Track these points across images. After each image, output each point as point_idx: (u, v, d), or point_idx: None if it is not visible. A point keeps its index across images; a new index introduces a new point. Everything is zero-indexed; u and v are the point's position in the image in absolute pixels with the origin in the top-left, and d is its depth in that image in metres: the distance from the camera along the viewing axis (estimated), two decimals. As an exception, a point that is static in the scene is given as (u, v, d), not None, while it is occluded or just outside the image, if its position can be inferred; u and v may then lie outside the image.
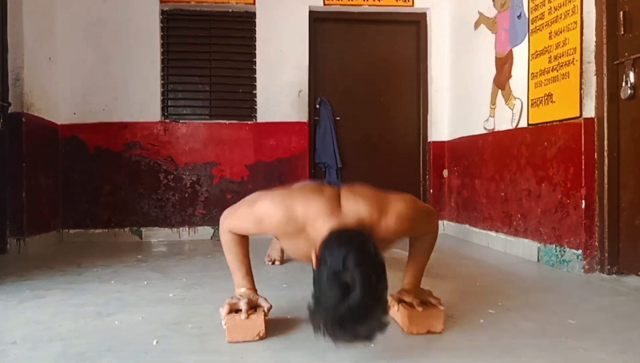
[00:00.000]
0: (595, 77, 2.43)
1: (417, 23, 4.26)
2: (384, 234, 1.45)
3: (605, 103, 2.40)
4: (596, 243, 2.40)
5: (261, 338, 1.45)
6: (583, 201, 2.42)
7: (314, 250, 1.33)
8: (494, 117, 3.34)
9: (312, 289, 1.24)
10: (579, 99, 2.46)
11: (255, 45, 3.96)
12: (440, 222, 4.12)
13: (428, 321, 1.50)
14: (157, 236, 3.82)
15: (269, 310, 1.52)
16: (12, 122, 3.13)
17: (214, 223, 3.84)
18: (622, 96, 2.33)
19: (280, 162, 3.96)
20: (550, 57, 2.69)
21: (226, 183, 3.90)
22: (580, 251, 2.42)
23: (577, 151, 2.46)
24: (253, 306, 1.51)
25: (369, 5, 4.10)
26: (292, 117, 3.98)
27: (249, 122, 3.95)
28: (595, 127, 2.42)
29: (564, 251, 2.53)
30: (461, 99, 3.92)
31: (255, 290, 1.60)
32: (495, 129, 3.31)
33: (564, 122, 2.56)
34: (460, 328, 1.55)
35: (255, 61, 3.96)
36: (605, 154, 2.40)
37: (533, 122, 2.85)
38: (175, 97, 3.98)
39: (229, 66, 3.99)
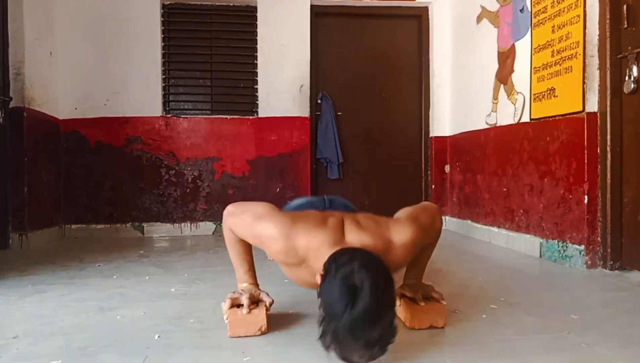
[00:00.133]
0: (598, 71, 2.42)
1: (418, 17, 4.24)
2: (391, 264, 1.38)
3: (609, 97, 2.39)
4: (599, 239, 2.39)
5: (263, 333, 1.45)
6: (586, 196, 2.41)
7: (318, 275, 1.28)
8: (496, 112, 3.32)
9: (318, 311, 1.21)
10: (581, 94, 2.44)
11: (256, 39, 3.94)
12: (442, 218, 4.12)
13: (430, 316, 1.50)
14: (159, 231, 3.82)
15: (270, 305, 1.52)
16: (14, 117, 3.13)
17: (216, 218, 3.84)
18: (625, 90, 2.32)
19: (282, 157, 3.95)
20: (553, 51, 2.67)
21: (228, 178, 3.89)
22: (582, 247, 2.42)
23: (580, 145, 2.45)
24: (255, 301, 1.51)
25: (371, -1, 4.10)
26: (293, 112, 3.97)
27: (250, 117, 3.94)
28: (598, 122, 2.40)
29: (567, 247, 2.53)
30: (463, 93, 3.91)
31: (257, 285, 1.60)
32: (498, 124, 3.29)
33: (567, 116, 2.55)
34: (463, 323, 1.55)
35: (256, 56, 3.95)
36: (608, 148, 2.39)
37: (535, 116, 2.83)
38: (177, 92, 3.97)
39: (230, 61, 3.98)
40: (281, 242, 1.41)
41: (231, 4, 3.96)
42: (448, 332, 1.48)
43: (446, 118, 4.17)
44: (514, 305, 1.76)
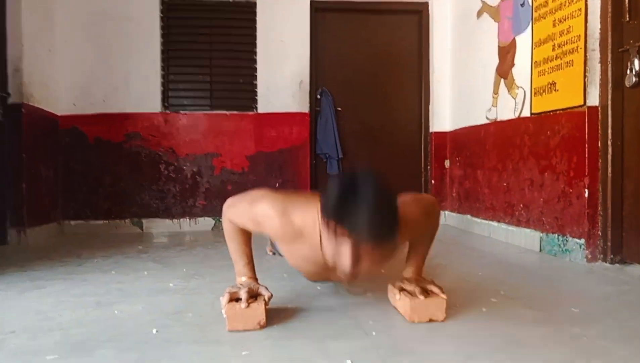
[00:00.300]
0: (599, 65, 2.40)
1: (419, 12, 4.22)
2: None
3: (610, 91, 2.38)
4: (599, 232, 2.38)
5: (262, 327, 1.44)
6: (586, 190, 2.40)
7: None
8: (496, 106, 3.31)
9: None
10: (582, 88, 2.43)
11: (255, 35, 3.93)
12: (442, 213, 4.11)
13: (430, 309, 1.49)
14: (158, 227, 3.81)
15: (269, 299, 1.51)
16: (12, 113, 3.12)
17: (215, 214, 3.84)
18: (627, 83, 2.30)
19: (281, 153, 3.94)
20: (554, 45, 2.66)
21: (227, 174, 3.88)
22: (583, 241, 2.41)
23: (581, 139, 2.44)
24: (253, 295, 1.49)
25: (371, -6, 4.08)
26: (293, 108, 3.95)
27: (250, 113, 3.93)
28: (599, 116, 2.39)
29: (567, 241, 2.52)
30: (463, 89, 3.89)
31: (256, 279, 1.59)
32: (498, 119, 3.28)
33: (568, 110, 2.54)
34: (463, 316, 1.54)
35: (256, 52, 3.94)
36: (609, 143, 2.38)
37: (536, 111, 2.82)
38: (176, 88, 3.95)
39: (229, 57, 3.97)
40: (278, 219, 1.44)
41: (231, 0, 3.94)
42: (448, 325, 1.47)
43: (446, 113, 4.16)
44: (514, 299, 1.75)
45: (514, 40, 3.09)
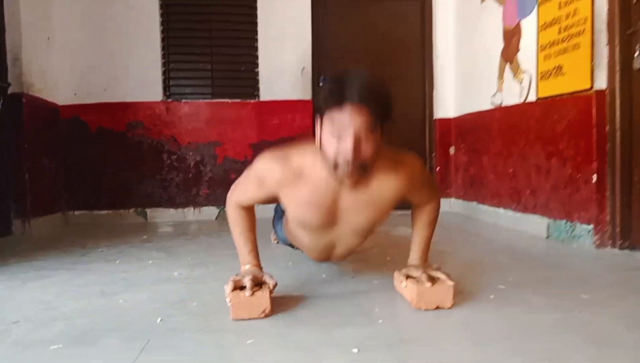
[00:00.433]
0: (607, 47, 2.35)
1: (422, -3, 4.16)
2: (392, 181, 1.50)
3: (618, 74, 2.33)
4: (608, 218, 2.35)
5: (266, 316, 1.42)
6: (594, 176, 2.37)
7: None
8: (501, 91, 3.27)
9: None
10: (590, 71, 2.38)
11: (256, 22, 3.88)
12: (447, 200, 4.09)
13: (437, 296, 1.47)
14: (162, 217, 3.80)
15: (274, 287, 1.49)
16: (13, 103, 3.10)
17: (219, 203, 3.82)
18: (635, 66, 2.26)
19: (284, 141, 3.90)
20: (560, 28, 2.61)
21: (230, 162, 3.86)
22: (591, 226, 2.38)
23: (588, 124, 2.40)
24: (258, 283, 1.48)
25: (373, -21, 4.01)
26: (295, 96, 3.91)
27: (252, 100, 3.89)
28: (607, 100, 2.35)
29: (575, 227, 2.49)
30: (468, 74, 3.85)
31: (260, 267, 1.57)
32: (503, 104, 3.24)
33: (575, 95, 2.50)
34: (470, 303, 1.52)
35: (257, 38, 3.89)
36: (617, 127, 2.33)
37: (542, 95, 2.78)
38: (177, 76, 3.91)
39: (230, 44, 3.93)
40: (278, 166, 1.50)
41: (231, -14, 3.89)
42: (455, 312, 1.45)
43: (451, 99, 4.11)
44: (522, 286, 1.72)
45: (519, 24, 3.04)
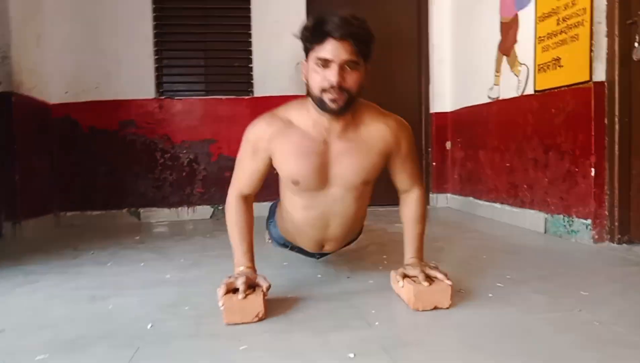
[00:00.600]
0: (606, 38, 2.32)
1: (417, -11, 4.10)
2: (380, 130, 1.56)
3: (617, 66, 2.29)
4: (606, 212, 2.32)
5: (260, 319, 1.38)
6: (592, 170, 2.33)
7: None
8: (498, 85, 3.23)
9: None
10: (588, 63, 2.35)
11: (250, 16, 3.82)
12: (443, 195, 4.06)
13: (435, 297, 1.43)
14: (156, 216, 3.75)
15: (268, 289, 1.45)
16: (2, 102, 3.03)
17: (213, 202, 3.78)
18: (635, 57, 2.22)
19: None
20: (559, 19, 2.57)
21: (224, 160, 3.80)
22: (589, 221, 2.35)
23: (587, 117, 2.36)
24: (252, 286, 1.44)
25: (367, -29, 3.95)
26: (290, 91, 3.85)
27: (246, 97, 3.84)
28: (606, 92, 2.31)
29: (573, 222, 2.46)
30: (464, 67, 3.80)
31: (254, 269, 1.53)
32: (500, 98, 3.20)
33: (573, 87, 2.46)
34: (468, 303, 1.49)
35: (250, 34, 3.83)
36: (616, 119, 2.30)
37: (540, 88, 2.74)
38: (170, 73, 3.85)
39: (223, 40, 3.86)
40: (265, 122, 1.56)
41: (223, -20, 3.83)
42: (454, 312, 1.41)
43: (447, 93, 4.07)
44: (520, 283, 1.69)
45: (516, 15, 2.99)
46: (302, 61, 1.49)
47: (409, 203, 1.67)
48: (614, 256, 2.11)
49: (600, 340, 1.20)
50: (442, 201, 4.08)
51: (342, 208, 1.64)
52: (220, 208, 3.73)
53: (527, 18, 2.86)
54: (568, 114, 2.50)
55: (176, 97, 3.80)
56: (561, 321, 1.33)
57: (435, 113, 4.09)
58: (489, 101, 3.35)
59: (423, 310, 1.42)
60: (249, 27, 3.83)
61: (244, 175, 1.62)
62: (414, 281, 1.47)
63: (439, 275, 1.46)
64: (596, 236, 2.33)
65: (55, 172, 3.63)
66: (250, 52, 3.85)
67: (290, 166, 1.56)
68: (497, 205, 3.23)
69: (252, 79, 3.86)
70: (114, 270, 2.14)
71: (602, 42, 2.32)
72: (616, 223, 2.31)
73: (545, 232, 2.66)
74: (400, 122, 1.62)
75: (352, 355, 1.14)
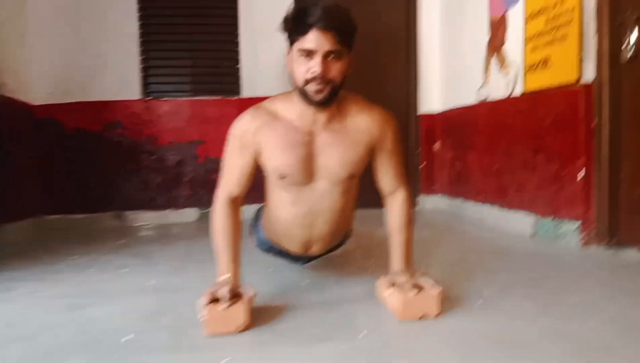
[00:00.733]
0: (595, 38, 2.29)
1: (405, -12, 4.07)
2: (365, 122, 1.56)
3: (606, 66, 2.27)
4: (594, 216, 2.30)
5: (243, 330, 1.34)
6: (581, 172, 2.32)
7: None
8: (488, 85, 3.20)
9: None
10: (577, 63, 2.33)
11: (237, 16, 3.76)
12: (432, 197, 4.03)
13: (422, 305, 1.40)
14: (142, 219, 3.68)
15: (253, 298, 1.41)
16: (-18, 104, 2.96)
17: (200, 204, 3.72)
18: (624, 58, 2.20)
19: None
20: (548, 18, 2.54)
21: (211, 162, 3.74)
22: (578, 224, 2.33)
23: (576, 118, 2.35)
24: (235, 295, 1.39)
25: (355, -29, 3.91)
26: (278, 91, 3.79)
27: (234, 98, 3.79)
28: (595, 93, 2.29)
29: (561, 224, 2.44)
30: (453, 68, 3.78)
31: (238, 278, 1.48)
32: (489, 98, 3.18)
33: (562, 88, 2.44)
34: (457, 311, 1.45)
35: (238, 33, 3.77)
36: (605, 121, 2.28)
37: (529, 89, 2.72)
38: (156, 73, 3.78)
39: (211, 39, 3.81)
40: (249, 116, 1.55)
41: (210, -21, 3.77)
42: (442, 322, 1.38)
43: (436, 94, 4.04)
44: (510, 288, 1.67)
45: (505, 14, 2.97)
46: (286, 51, 1.47)
47: (395, 207, 1.63)
48: (602, 259, 2.10)
49: (591, 347, 1.18)
50: (431, 202, 4.06)
51: (329, 203, 1.62)
52: (206, 211, 3.67)
53: (516, 17, 2.84)
54: (557, 115, 2.48)
55: (163, 98, 3.74)
56: (551, 328, 1.30)
57: (424, 114, 4.07)
58: (478, 101, 3.33)
59: (411, 319, 1.38)
60: (236, 27, 3.78)
61: (233, 173, 1.58)
62: (402, 289, 1.43)
63: (427, 283, 1.43)
64: (585, 239, 2.31)
65: (39, 174, 3.55)
66: (237, 53, 3.79)
67: (277, 159, 1.54)
68: (486, 207, 3.21)
69: (240, 80, 3.80)
70: (96, 276, 2.08)
71: (591, 43, 2.30)
72: (604, 227, 2.28)
73: (534, 234, 2.64)
74: (386, 115, 1.62)
75: (337, 368, 1.11)
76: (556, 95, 2.48)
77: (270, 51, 3.74)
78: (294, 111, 1.52)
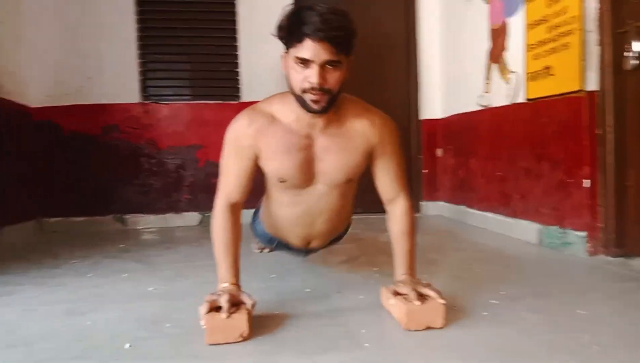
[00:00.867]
0: (598, 47, 2.28)
1: (407, -6, 4.06)
2: (364, 125, 1.52)
3: (609, 75, 2.26)
4: (601, 225, 2.28)
5: (245, 339, 1.32)
6: (586, 180, 2.30)
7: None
8: (489, 92, 3.19)
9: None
10: (580, 72, 2.31)
11: (236, 20, 3.75)
12: (434, 203, 4.01)
13: (427, 316, 1.37)
14: (142, 223, 3.66)
15: (253, 306, 1.39)
16: (-20, 106, 2.94)
17: (201, 208, 3.70)
18: (626, 66, 2.18)
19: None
20: (549, 27, 2.53)
21: (211, 166, 3.72)
22: (584, 233, 2.30)
23: (579, 126, 2.33)
24: (236, 304, 1.37)
25: (358, -24, 3.90)
26: (279, 96, 3.79)
27: (233, 102, 3.77)
28: (599, 101, 2.28)
29: (567, 233, 2.42)
30: (454, 74, 3.77)
31: (239, 286, 1.46)
32: (491, 105, 3.16)
33: (565, 96, 2.42)
34: (462, 322, 1.43)
35: (236, 37, 3.76)
36: (610, 129, 2.26)
37: (531, 97, 2.70)
38: (155, 77, 3.76)
39: (210, 43, 3.79)
40: (246, 119, 1.51)
41: (210, -17, 3.75)
42: (447, 333, 1.35)
43: (437, 100, 4.03)
44: (516, 300, 1.64)
45: (505, 23, 2.96)
46: (282, 53, 1.43)
47: (397, 216, 1.60)
48: (610, 270, 2.07)
49: (600, 363, 1.16)
50: (433, 209, 4.04)
51: (328, 205, 1.66)
52: (207, 214, 3.65)
53: (516, 25, 2.83)
54: (560, 123, 2.47)
55: (162, 102, 3.72)
56: (558, 343, 1.28)
57: (426, 120, 4.05)
58: (479, 108, 3.31)
59: (415, 330, 1.36)
60: (235, 30, 3.76)
61: (231, 177, 1.55)
62: (406, 299, 1.41)
63: (432, 293, 1.40)
64: (591, 249, 2.28)
65: (38, 177, 3.52)
66: (236, 57, 3.78)
67: (276, 163, 1.54)
68: (490, 214, 3.19)
69: (239, 84, 3.79)
70: (95, 281, 2.05)
71: (593, 51, 2.29)
72: (611, 236, 2.26)
73: (539, 243, 2.62)
74: (385, 119, 1.58)
75: (341, 381, 1.08)
76: (559, 103, 2.47)
77: (270, 55, 3.72)
78: (292, 113, 1.48)
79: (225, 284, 1.44)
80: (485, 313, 1.50)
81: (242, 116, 1.53)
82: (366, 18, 4.02)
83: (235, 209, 1.55)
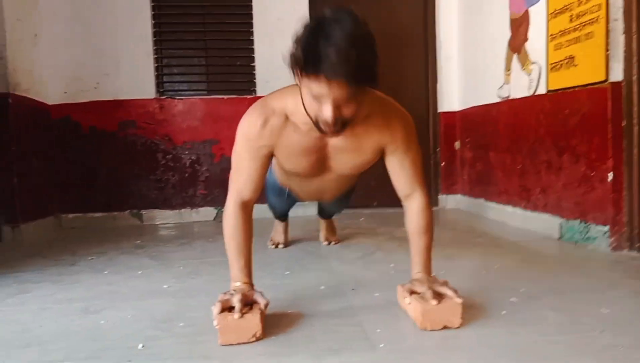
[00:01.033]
0: (623, 36, 2.20)
1: (424, -15, 3.98)
2: (378, 127, 1.49)
3: (636, 65, 2.18)
4: (625, 219, 2.21)
5: (257, 340, 1.30)
6: (610, 174, 2.22)
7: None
8: (509, 84, 3.11)
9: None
10: (604, 62, 2.23)
11: (251, 14, 3.73)
12: (452, 196, 3.95)
13: (444, 315, 1.34)
14: (158, 218, 3.68)
15: (266, 306, 1.37)
16: (-2, 103, 2.97)
17: (216, 203, 3.70)
18: (654, 56, 2.10)
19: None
20: (572, 16, 2.45)
21: (227, 161, 3.70)
22: (607, 228, 2.24)
23: (603, 118, 2.25)
24: (248, 303, 1.35)
25: (373, -33, 3.83)
26: (294, 90, 3.76)
27: (249, 96, 3.75)
28: (624, 92, 2.20)
29: (589, 228, 2.35)
30: (473, 65, 3.69)
31: (251, 285, 1.44)
32: (511, 97, 3.08)
33: (588, 87, 2.34)
34: (480, 322, 1.39)
35: (252, 32, 3.74)
36: (635, 121, 2.19)
37: (553, 88, 2.63)
38: (170, 73, 3.77)
39: (225, 38, 3.78)
40: (262, 117, 1.46)
41: (224, -23, 3.73)
42: (464, 333, 1.32)
43: (455, 92, 3.96)
44: (536, 298, 1.59)
45: (527, 12, 2.88)
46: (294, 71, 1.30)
47: (414, 213, 1.56)
48: (634, 266, 2.00)
49: (624, 365, 1.11)
50: (452, 202, 3.98)
51: (337, 185, 1.85)
52: (222, 210, 3.65)
53: (538, 14, 2.75)
54: (583, 115, 2.39)
55: (177, 97, 3.72)
56: (580, 344, 1.23)
57: (444, 112, 3.98)
58: (498, 100, 3.24)
59: (432, 330, 1.33)
60: (250, 25, 3.74)
61: (244, 176, 1.52)
62: (422, 298, 1.37)
63: (449, 292, 1.36)
64: (614, 244, 2.22)
65: (56, 174, 3.57)
66: (252, 51, 3.75)
67: (289, 164, 1.60)
68: (509, 208, 3.12)
69: (254, 78, 3.76)
70: (111, 278, 2.06)
71: (619, 40, 2.20)
72: (636, 231, 2.19)
73: (560, 238, 2.55)
74: (401, 116, 1.55)
75: (354, 383, 1.06)
76: (582, 94, 2.39)
77: (285, 50, 3.68)
78: (305, 116, 1.37)
79: (237, 283, 1.43)
80: (504, 312, 1.46)
81: (256, 114, 1.48)
82: (383, 8, 3.96)
83: (247, 207, 1.53)
